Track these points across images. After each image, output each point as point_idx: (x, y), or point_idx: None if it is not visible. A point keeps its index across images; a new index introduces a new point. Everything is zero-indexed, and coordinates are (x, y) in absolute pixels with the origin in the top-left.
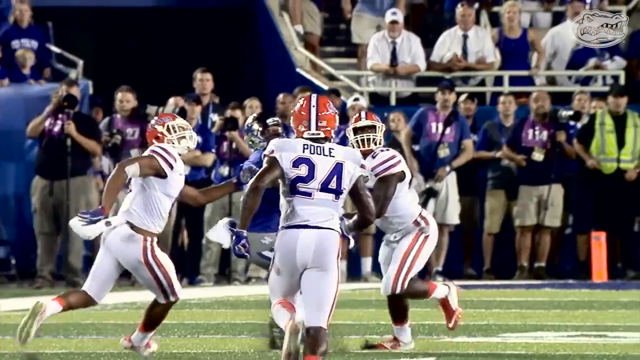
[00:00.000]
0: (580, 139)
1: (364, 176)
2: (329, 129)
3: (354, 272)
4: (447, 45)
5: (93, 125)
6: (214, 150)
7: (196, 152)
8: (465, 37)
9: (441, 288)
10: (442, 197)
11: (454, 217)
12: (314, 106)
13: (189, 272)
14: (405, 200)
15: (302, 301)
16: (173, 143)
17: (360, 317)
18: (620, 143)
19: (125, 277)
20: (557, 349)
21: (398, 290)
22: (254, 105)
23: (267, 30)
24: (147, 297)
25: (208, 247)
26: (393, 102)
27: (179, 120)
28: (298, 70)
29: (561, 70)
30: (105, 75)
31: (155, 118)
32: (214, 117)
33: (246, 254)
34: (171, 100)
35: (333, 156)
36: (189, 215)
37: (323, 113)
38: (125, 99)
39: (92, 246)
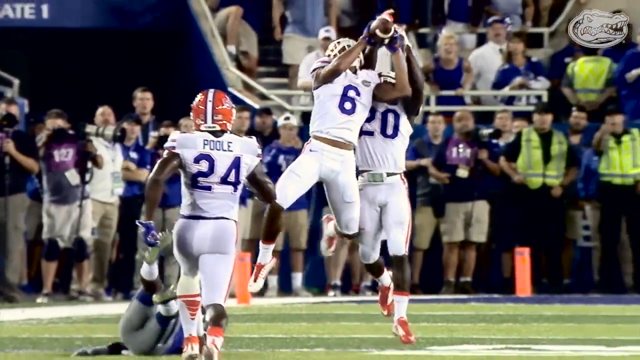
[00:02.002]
0: (507, 156)
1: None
2: (224, 122)
3: (284, 287)
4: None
5: (31, 143)
6: (149, 167)
7: (131, 165)
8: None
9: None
10: None
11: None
12: (210, 101)
13: (123, 286)
14: (404, 147)
15: (202, 282)
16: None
17: (290, 331)
18: (546, 159)
19: (61, 292)
20: None
21: (406, 251)
22: (189, 125)
23: (200, 51)
24: (82, 312)
25: (142, 262)
26: None
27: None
28: (230, 89)
29: (486, 90)
30: (42, 94)
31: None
32: (155, 134)
33: (157, 241)
34: (100, 110)
35: (232, 150)
36: (122, 230)
37: (219, 107)
38: (53, 126)
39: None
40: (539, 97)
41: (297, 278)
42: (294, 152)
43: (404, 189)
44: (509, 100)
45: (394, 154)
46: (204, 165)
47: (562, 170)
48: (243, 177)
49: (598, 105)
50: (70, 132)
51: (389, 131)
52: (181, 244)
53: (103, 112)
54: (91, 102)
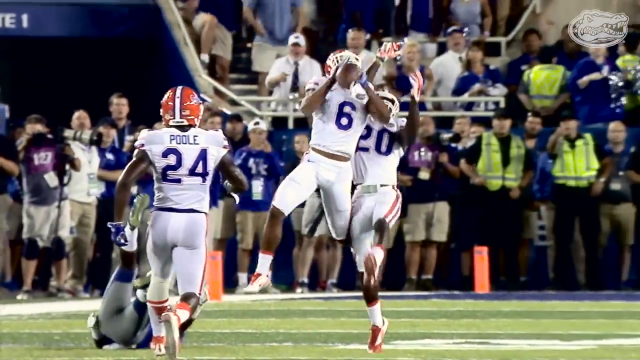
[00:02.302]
0: (468, 159)
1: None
2: (192, 117)
3: None
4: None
5: (11, 147)
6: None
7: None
8: (355, 59)
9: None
10: None
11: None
12: (178, 97)
13: (100, 283)
14: (396, 164)
15: (177, 275)
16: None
17: (260, 326)
18: (505, 162)
19: (40, 289)
20: (444, 355)
21: (389, 218)
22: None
23: (173, 59)
24: (60, 308)
25: (118, 260)
26: (291, 125)
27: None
28: (202, 95)
29: (447, 97)
30: (22, 100)
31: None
32: (130, 138)
33: (126, 242)
34: (76, 114)
35: (197, 143)
36: (100, 230)
37: (187, 103)
38: (33, 131)
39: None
40: (496, 103)
41: None
42: (263, 156)
43: (395, 195)
44: (468, 106)
45: (387, 168)
46: (172, 159)
47: (520, 173)
48: (211, 168)
49: (552, 110)
50: (49, 136)
51: (383, 149)
52: (155, 234)
53: (79, 116)
54: (69, 107)
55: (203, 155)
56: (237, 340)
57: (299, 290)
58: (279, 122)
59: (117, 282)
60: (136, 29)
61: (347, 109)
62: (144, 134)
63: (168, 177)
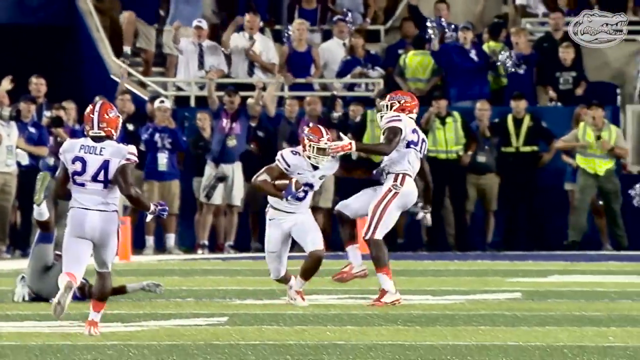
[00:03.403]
0: (354, 134)
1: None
2: (109, 129)
3: (159, 246)
4: (237, 44)
5: None
6: (48, 145)
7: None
8: (251, 38)
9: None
10: (229, 182)
11: (238, 199)
12: (96, 111)
13: (22, 245)
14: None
15: (93, 257)
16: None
17: (165, 284)
18: None
19: None
20: (329, 309)
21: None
22: (69, 107)
23: (87, 44)
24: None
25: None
26: (193, 104)
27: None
28: (112, 76)
29: (332, 79)
30: None
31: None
32: (47, 114)
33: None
34: None
35: (102, 155)
36: (21, 197)
37: (104, 116)
38: None
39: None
40: (375, 84)
41: (171, 238)
42: (168, 131)
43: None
44: (351, 87)
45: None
46: (78, 166)
47: None
48: (112, 177)
49: (425, 92)
50: None
51: None
52: (72, 227)
53: None
54: None
55: (105, 166)
56: (144, 297)
57: (199, 251)
58: (182, 101)
59: (39, 244)
60: (53, 16)
61: (306, 187)
62: (64, 144)
63: (76, 181)
